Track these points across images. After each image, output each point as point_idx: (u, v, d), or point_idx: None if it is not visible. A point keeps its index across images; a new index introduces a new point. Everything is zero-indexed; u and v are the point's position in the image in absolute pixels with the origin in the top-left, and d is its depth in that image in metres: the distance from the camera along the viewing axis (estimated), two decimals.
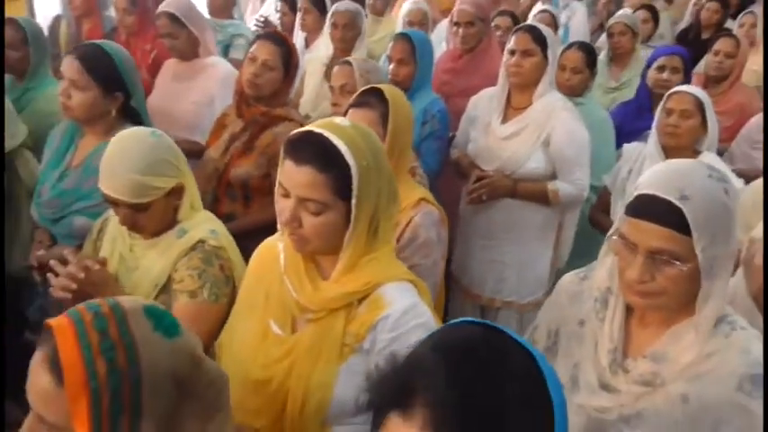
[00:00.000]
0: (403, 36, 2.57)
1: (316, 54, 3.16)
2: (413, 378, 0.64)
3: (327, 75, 3.01)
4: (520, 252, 2.36)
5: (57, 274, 1.48)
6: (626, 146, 2.47)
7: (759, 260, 1.38)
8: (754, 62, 3.86)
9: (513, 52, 2.24)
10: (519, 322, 2.40)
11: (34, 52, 2.45)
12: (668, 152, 2.27)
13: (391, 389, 0.65)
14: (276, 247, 1.37)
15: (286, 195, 1.20)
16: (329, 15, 3.09)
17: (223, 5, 3.55)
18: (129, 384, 0.85)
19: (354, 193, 1.17)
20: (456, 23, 2.90)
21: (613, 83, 3.60)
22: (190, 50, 2.69)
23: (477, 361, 0.64)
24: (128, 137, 1.52)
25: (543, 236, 2.38)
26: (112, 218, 1.67)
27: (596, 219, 2.50)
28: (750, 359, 1.10)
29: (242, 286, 1.43)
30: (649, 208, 1.11)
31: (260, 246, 1.43)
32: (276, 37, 2.36)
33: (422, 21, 3.31)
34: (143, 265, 1.58)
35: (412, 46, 2.51)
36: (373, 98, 1.69)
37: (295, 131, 1.21)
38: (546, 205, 2.29)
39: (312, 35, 3.50)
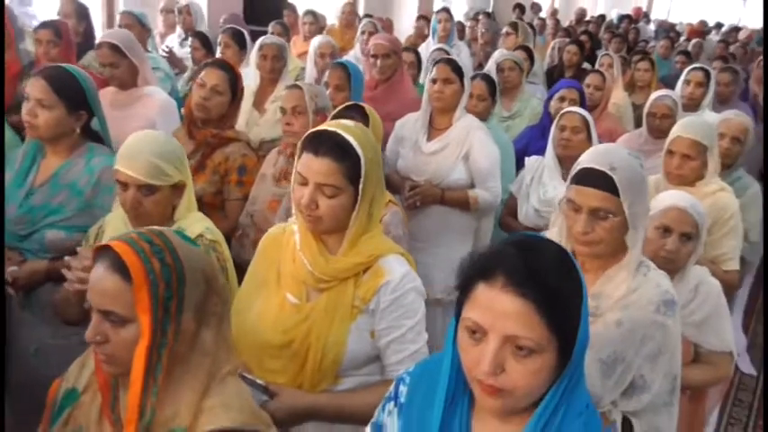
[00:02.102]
0: (339, 65, 2.98)
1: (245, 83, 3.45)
2: (493, 257, 1.00)
3: (256, 103, 3.32)
4: (446, 253, 2.75)
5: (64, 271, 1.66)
6: (527, 159, 3.01)
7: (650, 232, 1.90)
8: (616, 96, 4.69)
9: (435, 81, 2.71)
10: (443, 317, 2.78)
11: None
12: (562, 161, 2.84)
13: (477, 267, 1.00)
14: (280, 235, 1.67)
15: (304, 183, 1.51)
16: (257, 48, 3.42)
17: (138, 39, 3.73)
18: (176, 276, 1.16)
19: (362, 179, 1.51)
20: (374, 56, 3.34)
21: (506, 112, 4.20)
22: (129, 79, 2.88)
23: (532, 243, 1.02)
24: (147, 132, 1.79)
25: (465, 238, 2.83)
26: (109, 222, 1.88)
27: (506, 222, 3.01)
28: (662, 290, 1.58)
29: (250, 270, 1.70)
30: (589, 177, 1.56)
31: (265, 236, 1.72)
32: (223, 64, 2.66)
33: (332, 53, 3.75)
34: None
35: (347, 73, 2.92)
36: (355, 113, 2.05)
37: (312, 130, 1.54)
38: (467, 211, 2.75)
39: None
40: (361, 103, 2.11)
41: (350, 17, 6.12)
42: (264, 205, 2.52)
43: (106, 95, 2.94)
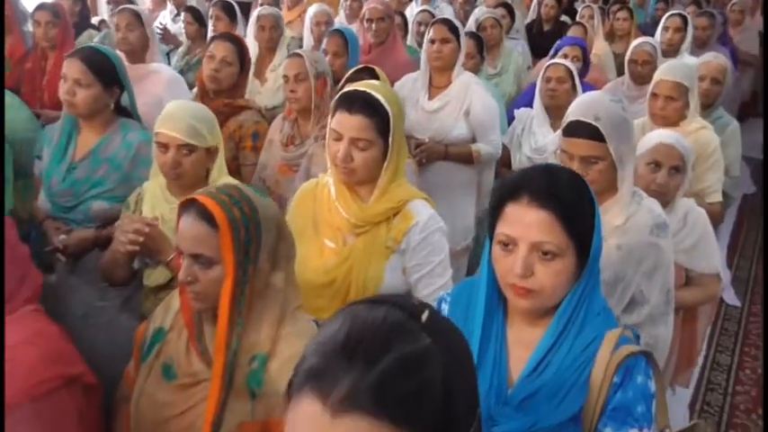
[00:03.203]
0: (337, 32, 3.16)
1: None
2: (518, 180, 1.23)
3: (256, 73, 3.50)
4: (452, 207, 2.99)
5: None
6: (517, 111, 3.24)
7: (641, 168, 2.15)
8: (597, 47, 4.92)
9: (433, 41, 2.90)
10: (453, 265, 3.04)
11: None
12: (550, 111, 3.07)
13: (505, 190, 1.23)
14: (313, 189, 1.89)
15: (339, 139, 1.72)
16: (254, 20, 3.58)
17: None
18: (254, 222, 1.36)
19: (391, 132, 1.73)
20: (369, 20, 3.53)
21: (491, 70, 4.40)
22: (140, 49, 3.03)
23: (550, 168, 1.27)
24: (183, 101, 1.98)
25: (468, 191, 3.06)
26: (148, 189, 2.07)
27: (500, 173, 3.25)
28: (654, 214, 1.82)
29: (288, 221, 1.91)
30: (576, 129, 1.79)
31: (299, 191, 1.94)
32: (230, 36, 2.83)
33: (327, 21, 3.92)
34: None
35: (345, 40, 3.10)
36: (366, 75, 2.25)
37: (343, 91, 1.75)
38: (470, 165, 2.97)
39: None
40: (371, 65, 2.31)
41: None
42: (275, 170, 2.71)
43: None
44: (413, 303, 0.69)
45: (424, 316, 0.67)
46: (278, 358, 1.36)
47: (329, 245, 1.81)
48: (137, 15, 3.02)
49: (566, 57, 3.64)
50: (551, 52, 3.90)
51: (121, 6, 3.07)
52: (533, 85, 3.81)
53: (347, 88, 2.26)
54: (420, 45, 4.41)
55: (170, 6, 4.74)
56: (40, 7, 3.23)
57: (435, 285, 1.80)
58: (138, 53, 3.03)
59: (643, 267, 1.84)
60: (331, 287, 1.78)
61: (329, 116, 1.76)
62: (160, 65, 3.13)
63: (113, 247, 1.95)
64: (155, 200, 2.05)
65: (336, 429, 0.59)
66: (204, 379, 1.38)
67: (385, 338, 0.63)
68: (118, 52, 2.57)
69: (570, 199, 1.22)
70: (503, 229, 1.23)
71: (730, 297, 4.27)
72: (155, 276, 2.00)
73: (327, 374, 0.61)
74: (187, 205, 1.37)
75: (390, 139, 1.73)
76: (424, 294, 1.80)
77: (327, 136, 1.76)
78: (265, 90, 3.44)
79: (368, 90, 1.72)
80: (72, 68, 2.21)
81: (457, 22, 2.99)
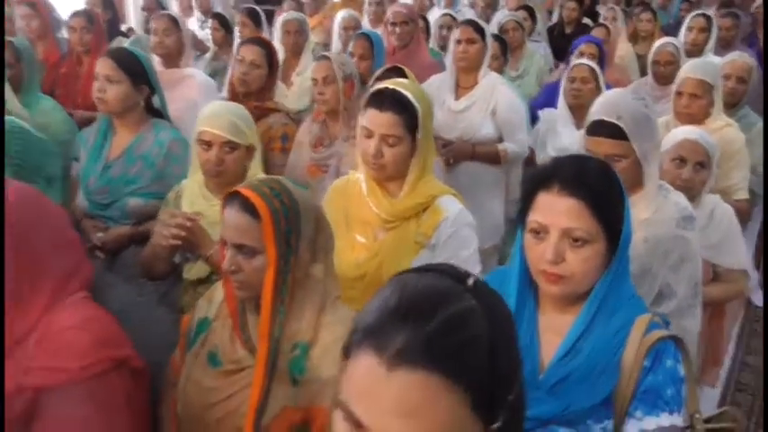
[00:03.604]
0: (363, 35, 3.24)
1: None
2: (549, 170, 1.28)
3: (282, 77, 3.58)
4: (480, 206, 3.02)
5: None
6: (541, 111, 3.29)
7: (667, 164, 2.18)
8: (620, 48, 4.95)
9: (459, 41, 2.96)
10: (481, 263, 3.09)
11: (26, 69, 2.81)
12: (574, 110, 3.11)
13: (537, 179, 1.28)
14: (344, 186, 1.96)
15: (369, 136, 1.79)
16: (280, 25, 3.66)
17: None
18: (293, 214, 1.42)
19: (419, 129, 1.78)
20: (393, 23, 3.60)
21: (513, 72, 4.45)
22: (175, 53, 3.14)
23: (580, 158, 1.33)
24: (223, 101, 2.08)
25: (495, 190, 3.10)
26: (186, 187, 2.15)
27: (525, 172, 3.28)
28: (681, 207, 1.86)
29: None
30: (600, 129, 1.83)
31: (331, 188, 2.00)
32: (259, 40, 2.92)
33: (355, 26, 4.01)
34: None
35: (370, 43, 3.17)
36: (395, 75, 2.31)
37: (375, 88, 1.81)
38: (497, 164, 3.02)
39: None
40: (400, 65, 2.38)
41: None
42: (304, 170, 2.78)
43: None
44: (458, 270, 0.75)
45: (470, 281, 0.73)
46: (319, 345, 1.41)
47: (360, 240, 1.87)
48: (174, 21, 3.13)
49: (582, 54, 3.69)
50: (570, 51, 3.95)
51: (161, 12, 3.17)
52: (551, 85, 3.87)
53: (376, 84, 2.38)
54: (442, 48, 4.50)
55: (197, 13, 4.86)
56: (76, 14, 3.36)
57: None
58: (174, 57, 3.13)
59: (670, 260, 1.87)
60: (363, 280, 1.83)
61: (359, 115, 1.82)
62: (194, 69, 3.24)
63: (154, 241, 2.03)
64: (193, 197, 2.13)
65: (391, 381, 0.65)
66: (248, 366, 1.44)
67: (434, 300, 0.69)
68: (153, 56, 2.65)
69: (600, 187, 1.26)
70: (534, 216, 1.28)
71: (758, 298, 4.25)
72: (195, 270, 2.07)
73: (383, 333, 0.67)
74: (231, 198, 1.44)
75: (419, 135, 1.79)
76: None
77: (358, 133, 1.82)
78: (291, 94, 3.52)
79: (397, 88, 1.78)
80: (103, 66, 2.31)
81: (483, 23, 3.04)
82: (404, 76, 2.34)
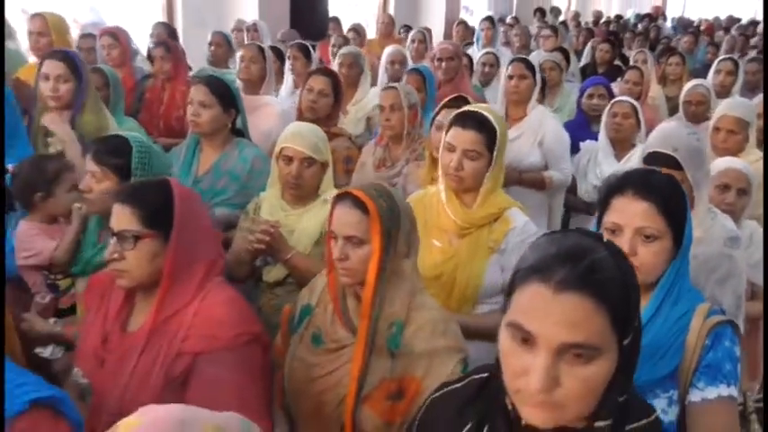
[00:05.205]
0: (415, 70, 3.55)
1: None
2: (622, 178, 1.52)
3: None
4: None
5: None
6: (582, 144, 3.57)
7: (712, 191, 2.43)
8: (651, 89, 5.25)
9: (511, 77, 3.25)
10: None
11: (113, 93, 3.14)
12: (615, 144, 3.38)
13: (612, 186, 1.52)
14: (423, 197, 2.22)
15: (452, 150, 2.05)
16: (337, 58, 3.99)
17: (223, 57, 4.39)
18: (395, 212, 1.66)
19: (497, 146, 2.05)
20: (439, 59, 3.92)
21: (549, 108, 4.74)
22: (258, 81, 3.46)
23: (649, 170, 1.57)
24: (302, 122, 2.35)
25: (539, 215, 3.34)
26: (264, 199, 2.40)
27: (567, 198, 3.54)
28: (728, 228, 2.10)
29: None
30: (657, 159, 2.06)
31: (410, 198, 2.25)
32: (326, 71, 3.22)
33: (402, 60, 4.34)
34: (300, 227, 2.31)
35: (422, 77, 3.47)
36: (461, 102, 2.59)
37: (458, 111, 2.09)
38: (542, 190, 3.28)
39: (299, 78, 4.38)
40: (464, 95, 2.67)
41: (388, 27, 6.77)
42: None
43: None
44: (594, 232, 1.01)
45: (604, 240, 0.98)
46: (412, 325, 1.64)
47: (437, 244, 2.12)
48: (261, 50, 3.46)
49: (591, 96, 3.98)
50: (569, 92, 4.32)
51: (249, 42, 3.49)
52: (567, 123, 4.17)
53: (443, 111, 2.66)
54: (483, 84, 4.82)
55: None
56: (157, 44, 3.70)
57: None
58: (256, 84, 3.45)
59: (716, 275, 2.09)
60: (439, 280, 2.07)
61: (434, 135, 2.10)
62: (272, 98, 3.55)
63: (238, 246, 2.28)
64: (272, 207, 2.38)
65: (557, 301, 0.89)
66: (348, 344, 1.68)
67: (583, 248, 0.94)
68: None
69: (667, 193, 1.51)
70: (610, 218, 1.53)
71: None
72: (274, 273, 2.31)
73: (548, 269, 0.91)
74: (342, 197, 1.69)
75: (495, 153, 2.06)
76: None
77: (441, 148, 2.09)
78: (347, 121, 3.81)
79: (479, 110, 2.06)
80: (198, 93, 2.60)
81: (533, 61, 3.34)
82: (468, 103, 2.62)
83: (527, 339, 0.92)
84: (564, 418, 0.93)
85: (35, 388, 1.15)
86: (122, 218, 1.56)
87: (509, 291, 0.98)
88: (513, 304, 0.95)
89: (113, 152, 2.01)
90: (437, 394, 1.24)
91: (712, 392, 1.45)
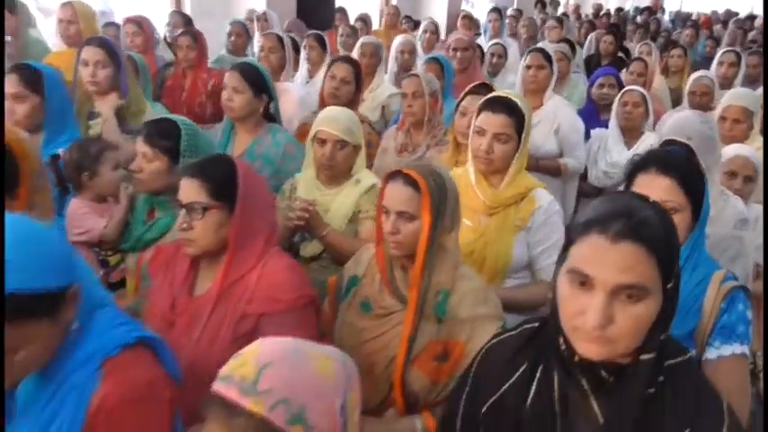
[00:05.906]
0: (434, 59, 3.72)
1: None
2: (646, 157, 1.69)
3: None
4: None
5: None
6: (593, 131, 3.75)
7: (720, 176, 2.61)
8: (654, 81, 5.43)
9: (529, 67, 3.42)
10: None
11: (143, 79, 3.29)
12: (624, 132, 3.57)
13: (636, 164, 1.69)
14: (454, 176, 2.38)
15: (482, 134, 2.21)
16: (357, 47, 4.15)
17: (242, 46, 4.54)
18: (443, 189, 1.80)
19: (525, 129, 2.22)
20: (454, 49, 4.08)
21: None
22: (277, 69, 3.61)
23: (669, 150, 1.75)
24: (336, 107, 2.50)
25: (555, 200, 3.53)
26: (299, 180, 2.56)
27: (578, 184, 3.72)
28: (738, 211, 2.28)
29: None
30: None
31: None
32: (348, 59, 3.37)
33: (411, 50, 4.50)
34: (334, 206, 2.47)
35: (441, 66, 3.63)
36: (483, 89, 2.76)
37: (488, 96, 2.26)
38: (557, 176, 3.45)
39: (315, 67, 4.56)
40: (487, 83, 2.84)
41: (393, 18, 6.93)
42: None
43: None
44: (641, 195, 1.18)
45: (651, 200, 1.16)
46: (457, 293, 1.80)
47: (467, 223, 2.28)
48: (280, 40, 3.61)
49: (602, 86, 4.16)
50: (588, 83, 4.46)
51: (269, 31, 3.65)
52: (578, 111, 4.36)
53: (467, 98, 2.82)
54: (491, 74, 4.99)
55: (257, 35, 5.33)
56: (183, 33, 3.84)
57: (553, 258, 2.23)
58: (276, 72, 3.59)
59: (727, 254, 2.27)
60: (470, 257, 2.24)
61: (473, 117, 2.26)
62: (291, 84, 3.70)
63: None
64: (308, 188, 2.54)
65: (614, 249, 1.05)
66: (395, 310, 1.83)
67: (634, 206, 1.10)
68: None
69: (687, 169, 1.69)
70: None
71: None
72: (310, 248, 2.47)
73: (605, 222, 1.08)
74: (393, 176, 1.84)
75: (523, 136, 2.22)
76: (544, 265, 2.26)
77: (471, 132, 2.25)
78: (364, 108, 3.97)
79: (508, 95, 2.22)
80: (231, 78, 2.75)
81: (550, 51, 3.50)
82: (491, 90, 2.79)
83: (584, 282, 1.09)
84: (615, 352, 1.10)
85: (139, 328, 1.31)
86: (191, 191, 1.72)
87: (566, 245, 1.15)
88: (571, 254, 1.12)
89: (163, 134, 2.17)
90: (492, 342, 1.41)
91: (727, 350, 1.63)
